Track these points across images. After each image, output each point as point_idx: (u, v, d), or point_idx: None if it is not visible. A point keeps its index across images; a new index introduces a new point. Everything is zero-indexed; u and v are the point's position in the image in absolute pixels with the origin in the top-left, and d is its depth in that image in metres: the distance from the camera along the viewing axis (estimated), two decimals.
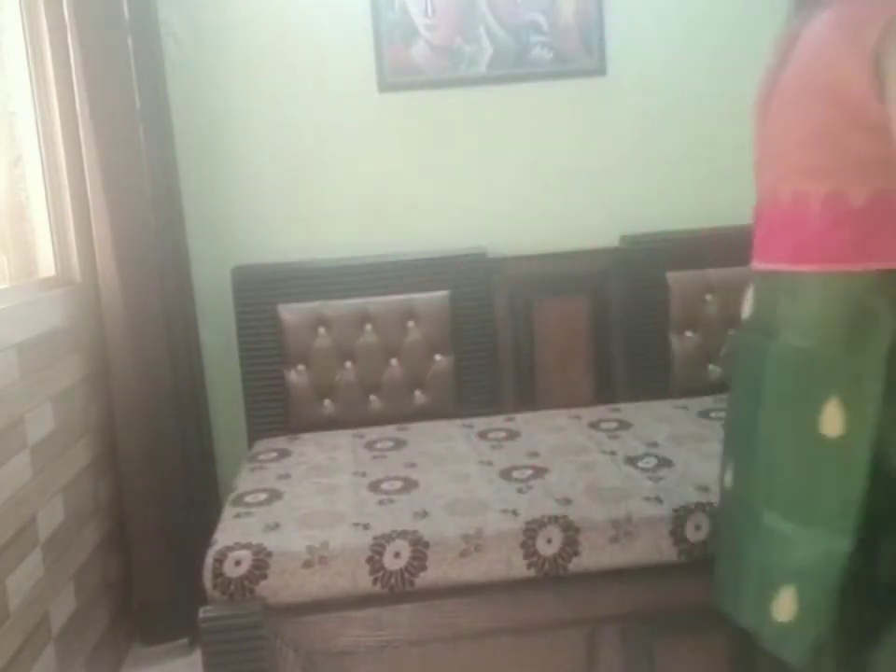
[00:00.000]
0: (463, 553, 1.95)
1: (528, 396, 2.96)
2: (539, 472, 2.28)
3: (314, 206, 3.00)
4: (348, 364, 2.86)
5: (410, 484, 2.26)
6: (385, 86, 2.97)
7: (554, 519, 2.00)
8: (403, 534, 1.97)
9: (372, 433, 2.75)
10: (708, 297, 2.96)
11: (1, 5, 2.42)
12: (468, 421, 2.81)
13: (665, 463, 2.29)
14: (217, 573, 1.92)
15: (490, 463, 2.39)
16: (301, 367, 2.84)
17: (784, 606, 1.48)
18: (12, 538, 1.99)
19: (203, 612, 1.89)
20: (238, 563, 1.92)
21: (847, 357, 1.42)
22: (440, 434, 2.69)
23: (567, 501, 2.08)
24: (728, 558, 1.67)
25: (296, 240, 2.99)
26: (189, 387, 2.77)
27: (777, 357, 1.53)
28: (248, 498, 2.25)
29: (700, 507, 2.02)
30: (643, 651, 2.01)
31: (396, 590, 1.94)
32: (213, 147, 2.95)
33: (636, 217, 3.06)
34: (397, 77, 2.97)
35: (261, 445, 2.73)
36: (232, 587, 1.91)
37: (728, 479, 1.68)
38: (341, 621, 1.92)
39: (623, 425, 2.65)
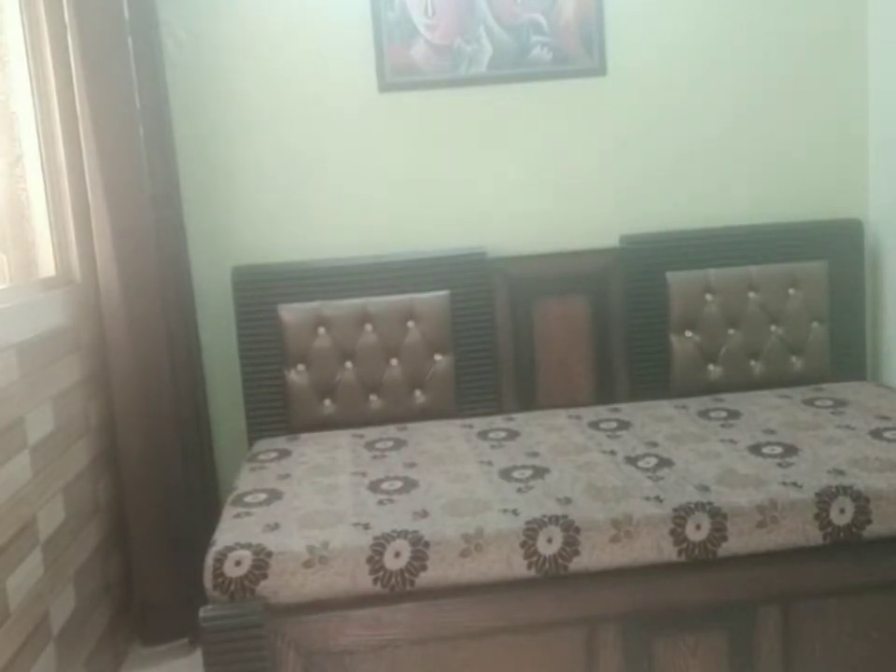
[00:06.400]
0: (463, 553, 1.95)
1: (528, 396, 2.97)
2: (539, 472, 2.28)
3: (314, 206, 3.00)
4: (348, 364, 2.86)
5: (410, 484, 2.26)
6: (385, 86, 2.97)
7: (555, 519, 2.00)
8: (403, 534, 1.97)
9: (372, 433, 2.75)
10: (708, 297, 2.96)
11: (1, 5, 2.42)
12: (468, 421, 2.81)
13: (665, 463, 2.29)
14: (218, 573, 1.92)
15: (490, 463, 2.39)
16: (300, 367, 2.84)
17: None
18: (12, 538, 1.99)
19: (203, 612, 1.89)
20: (238, 563, 1.92)
21: None
22: (440, 434, 2.69)
23: (567, 501, 2.08)
24: None
25: (296, 240, 2.98)
26: (188, 387, 2.77)
27: None
28: (248, 498, 2.25)
29: (700, 507, 2.02)
30: (643, 651, 2.01)
31: (396, 590, 1.94)
32: (213, 146, 2.95)
33: (635, 217, 3.06)
34: (397, 77, 2.97)
35: (261, 445, 2.73)
36: (233, 587, 1.91)
37: None
38: (341, 620, 1.92)
39: (623, 425, 2.65)
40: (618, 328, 2.99)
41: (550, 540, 1.97)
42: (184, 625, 2.62)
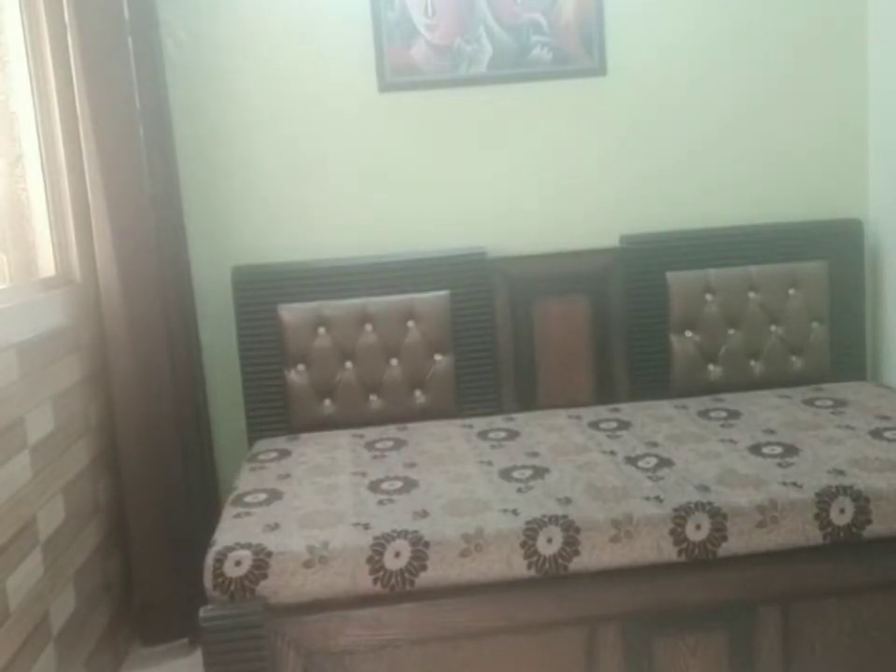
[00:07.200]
0: (463, 553, 1.95)
1: (528, 396, 2.96)
2: (539, 472, 2.28)
3: (314, 206, 3.00)
4: (348, 364, 2.86)
5: (410, 484, 2.26)
6: (385, 86, 2.97)
7: (555, 519, 2.00)
8: (403, 534, 1.97)
9: (372, 433, 2.75)
10: (708, 297, 2.96)
11: (1, 5, 2.42)
12: (468, 421, 2.81)
13: (665, 463, 2.29)
14: (218, 573, 1.92)
15: (490, 463, 2.39)
16: (300, 367, 2.84)
17: None
18: (12, 538, 1.99)
19: (203, 612, 1.89)
20: (238, 563, 1.92)
21: None
22: (440, 434, 2.69)
23: (567, 501, 2.08)
24: None
25: (296, 240, 2.98)
26: (188, 387, 2.77)
27: None
28: (248, 498, 2.25)
29: (700, 507, 2.02)
30: (643, 651, 2.01)
31: (396, 590, 1.94)
32: (213, 146, 2.95)
33: (636, 217, 3.06)
34: (397, 76, 2.97)
35: (261, 445, 2.73)
36: (233, 587, 1.91)
37: None
38: (341, 620, 1.92)
39: (623, 425, 2.65)
40: (618, 328, 2.99)
41: (550, 540, 1.97)
42: (184, 625, 2.62)
